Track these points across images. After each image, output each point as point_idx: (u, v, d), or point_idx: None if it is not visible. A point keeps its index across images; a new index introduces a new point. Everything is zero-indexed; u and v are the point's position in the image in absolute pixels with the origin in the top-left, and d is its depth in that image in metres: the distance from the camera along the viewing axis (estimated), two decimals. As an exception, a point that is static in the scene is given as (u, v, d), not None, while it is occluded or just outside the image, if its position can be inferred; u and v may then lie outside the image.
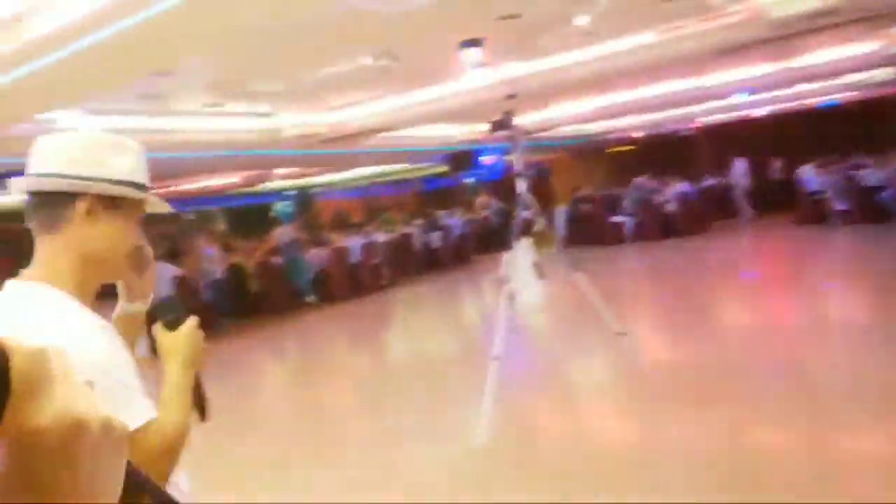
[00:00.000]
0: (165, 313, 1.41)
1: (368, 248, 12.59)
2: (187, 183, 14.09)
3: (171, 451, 1.24)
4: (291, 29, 4.70)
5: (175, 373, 1.35)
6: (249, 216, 16.62)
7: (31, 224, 1.32)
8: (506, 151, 10.78)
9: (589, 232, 14.53)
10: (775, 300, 8.07)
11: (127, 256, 1.38)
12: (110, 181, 1.32)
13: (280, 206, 17.89)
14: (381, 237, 13.22)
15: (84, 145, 1.35)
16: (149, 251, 1.45)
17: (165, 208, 1.43)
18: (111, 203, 1.32)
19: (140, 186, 1.37)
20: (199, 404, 1.42)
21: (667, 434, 4.20)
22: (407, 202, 21.44)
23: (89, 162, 1.32)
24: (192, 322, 1.40)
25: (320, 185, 18.34)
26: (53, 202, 1.30)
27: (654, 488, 3.47)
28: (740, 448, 3.89)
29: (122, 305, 1.49)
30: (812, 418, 4.19)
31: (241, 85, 6.94)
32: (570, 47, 7.20)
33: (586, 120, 13.36)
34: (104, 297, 1.42)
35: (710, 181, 16.17)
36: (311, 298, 11.63)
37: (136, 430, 1.16)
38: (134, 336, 1.45)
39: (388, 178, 19.97)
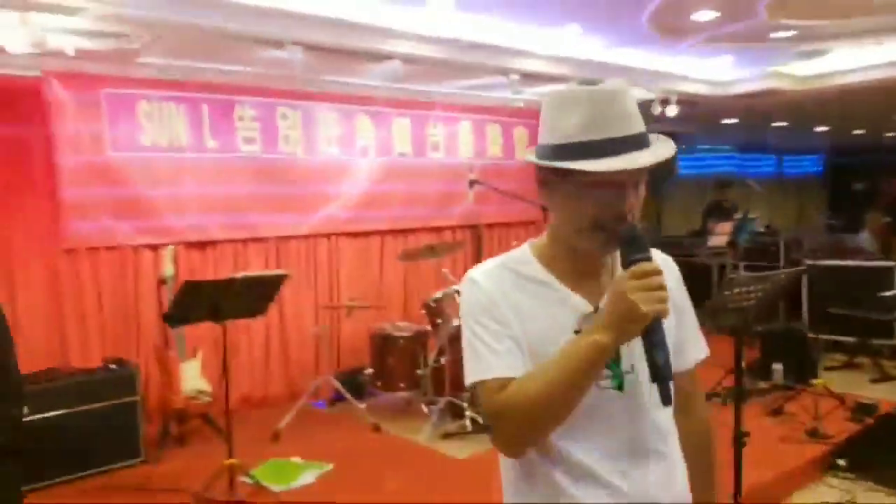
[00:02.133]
0: (623, 247, 1.15)
1: None
2: None
3: (501, 416, 1.14)
4: None
5: (585, 329, 1.15)
6: None
7: None
8: None
9: None
10: None
11: (585, 231, 1.18)
12: (544, 149, 1.19)
13: None
14: None
15: (546, 109, 1.23)
16: (625, 220, 1.16)
17: (622, 165, 1.11)
18: (558, 172, 1.17)
19: (585, 146, 1.13)
20: (655, 378, 1.09)
21: None
22: None
23: (543, 128, 1.23)
24: (633, 270, 1.08)
25: None
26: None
27: None
28: None
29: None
30: None
31: None
32: None
33: None
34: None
35: None
36: None
37: (471, 386, 1.19)
38: None
39: None
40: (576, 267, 1.24)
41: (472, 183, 5.41)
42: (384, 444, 4.53)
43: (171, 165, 4.88)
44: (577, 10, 4.47)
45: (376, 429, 4.70)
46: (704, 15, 4.73)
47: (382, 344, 5.16)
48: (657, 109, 6.61)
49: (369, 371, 5.22)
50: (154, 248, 4.80)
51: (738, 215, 6.94)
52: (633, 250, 1.12)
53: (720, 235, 6.67)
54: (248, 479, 3.61)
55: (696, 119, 8.16)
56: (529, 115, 7.05)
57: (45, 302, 4.51)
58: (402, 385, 5.10)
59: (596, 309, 1.22)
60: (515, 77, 5.15)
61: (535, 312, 1.21)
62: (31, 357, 4.39)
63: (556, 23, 4.70)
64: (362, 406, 4.93)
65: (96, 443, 4.01)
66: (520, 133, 7.13)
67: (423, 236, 6.31)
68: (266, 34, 3.83)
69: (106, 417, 4.08)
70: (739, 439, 2.95)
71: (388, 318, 5.75)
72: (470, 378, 1.21)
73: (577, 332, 1.20)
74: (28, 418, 3.85)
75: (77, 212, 4.52)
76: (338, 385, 5.03)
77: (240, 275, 3.51)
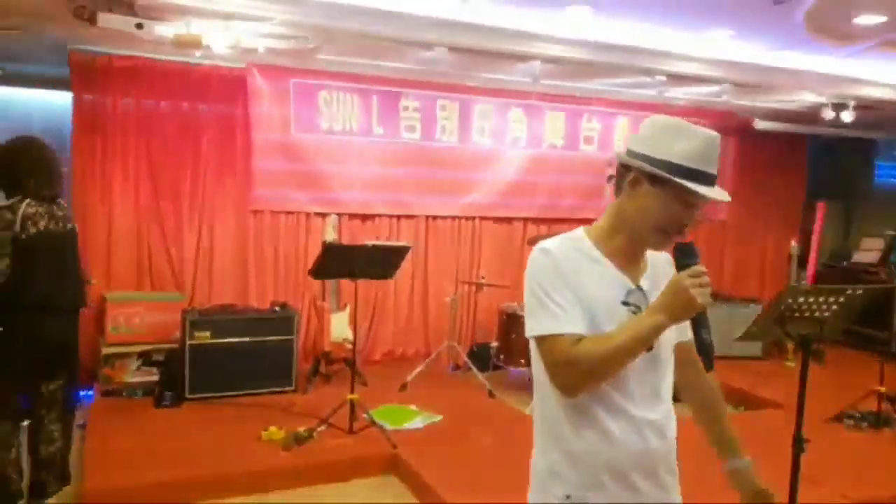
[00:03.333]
0: (679, 255, 1.52)
1: None
2: None
3: (574, 365, 1.44)
4: None
5: (646, 310, 1.49)
6: None
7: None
8: None
9: None
10: None
11: (653, 230, 1.52)
12: (654, 160, 1.49)
13: None
14: None
15: (654, 127, 1.55)
16: (683, 234, 1.54)
17: (717, 196, 1.48)
18: (656, 180, 1.49)
19: (692, 172, 1.47)
20: (702, 352, 1.54)
21: None
22: None
23: (648, 142, 1.53)
24: (690, 271, 1.44)
25: None
26: (620, 172, 1.57)
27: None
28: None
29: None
30: None
31: None
32: None
33: None
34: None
35: None
36: None
37: (541, 337, 1.48)
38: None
39: None
40: (625, 252, 1.58)
41: (610, 178, 5.64)
42: (493, 408, 5.01)
43: (342, 147, 5.70)
44: (722, 13, 4.50)
45: (491, 395, 5.20)
46: (869, 19, 4.52)
47: (508, 321, 5.62)
48: (829, 115, 6.27)
49: (495, 345, 5.71)
50: (323, 216, 5.65)
51: (891, 232, 6.39)
52: (688, 256, 1.50)
53: (866, 252, 6.22)
54: (365, 416, 4.28)
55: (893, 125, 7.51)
56: (691, 113, 7.02)
57: (234, 250, 5.55)
58: (522, 361, 5.52)
59: (637, 286, 1.58)
60: (661, 78, 5.26)
61: (591, 283, 1.52)
62: (219, 292, 5.46)
63: (702, 27, 4.76)
64: (483, 374, 5.43)
65: (258, 369, 4.95)
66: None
67: (567, 226, 6.60)
68: (416, 38, 4.41)
69: (269, 350, 5.01)
70: (798, 444, 3.01)
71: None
72: (542, 330, 1.48)
73: (624, 302, 1.55)
74: (208, 341, 4.86)
75: (264, 180, 5.49)
76: (460, 351, 5.61)
77: (370, 243, 4.17)
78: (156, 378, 4.93)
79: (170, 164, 5.31)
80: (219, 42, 3.96)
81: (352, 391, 4.23)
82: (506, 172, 6.34)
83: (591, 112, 6.63)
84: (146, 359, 5.05)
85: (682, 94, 6.06)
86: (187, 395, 4.81)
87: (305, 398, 4.92)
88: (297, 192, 5.62)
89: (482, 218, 6.36)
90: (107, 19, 3.52)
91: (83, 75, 4.96)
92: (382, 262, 4.22)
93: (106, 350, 4.95)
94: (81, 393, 4.91)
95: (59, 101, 5.42)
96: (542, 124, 6.44)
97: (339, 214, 5.65)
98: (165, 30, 3.79)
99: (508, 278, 6.17)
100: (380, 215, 5.97)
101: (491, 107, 6.22)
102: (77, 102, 5.00)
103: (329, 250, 4.09)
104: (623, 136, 6.79)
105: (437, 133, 6.03)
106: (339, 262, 4.08)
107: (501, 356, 5.64)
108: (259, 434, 4.16)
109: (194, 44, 3.84)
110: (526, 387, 5.58)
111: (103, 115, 5.07)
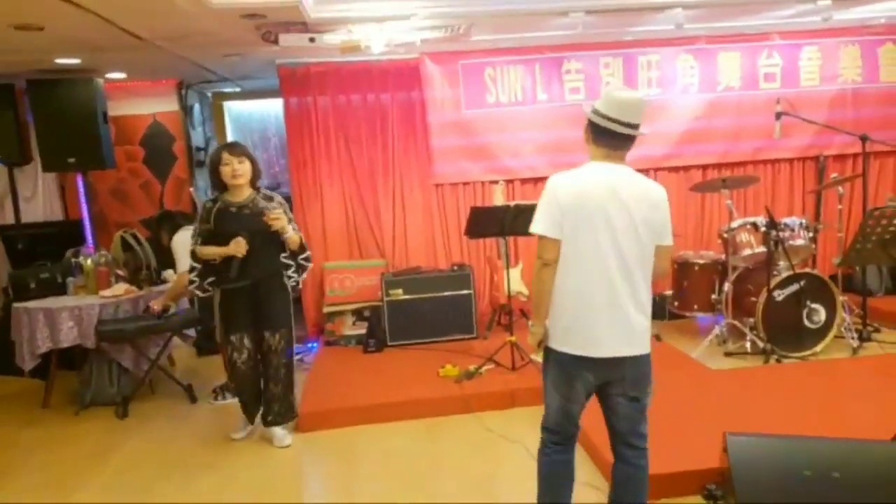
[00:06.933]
0: None
1: None
2: None
3: None
4: None
5: None
6: None
7: None
8: None
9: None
10: None
11: None
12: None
13: None
14: None
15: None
16: None
17: None
18: None
19: None
20: None
21: None
22: None
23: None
24: None
25: None
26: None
27: None
28: None
29: None
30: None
31: None
32: None
33: None
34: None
35: None
36: None
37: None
38: None
39: None
40: None
41: (779, 115, 5.41)
42: (657, 350, 5.15)
43: (509, 117, 6.17)
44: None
45: (657, 339, 5.36)
46: None
47: (681, 270, 5.68)
48: None
49: (669, 293, 5.81)
50: (496, 182, 6.20)
51: None
52: None
53: None
54: (525, 356, 4.78)
55: None
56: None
57: (423, 220, 6.35)
58: (695, 307, 5.58)
59: None
60: (826, 2, 4.92)
61: None
62: (414, 256, 6.30)
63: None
64: (659, 322, 5.54)
65: (444, 319, 5.71)
66: (888, 51, 6.43)
67: (751, 169, 6.41)
68: (552, 8, 4.73)
69: (451, 303, 5.74)
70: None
71: (713, 247, 6.16)
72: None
73: None
74: (401, 297, 5.70)
75: (442, 157, 6.19)
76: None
77: (512, 203, 4.62)
78: (365, 330, 5.92)
79: (364, 150, 6.24)
80: (376, 42, 4.69)
81: (511, 335, 4.76)
82: (679, 121, 6.32)
83: (770, 47, 6.29)
84: (359, 315, 6.07)
85: (858, 15, 5.51)
86: (388, 343, 5.72)
87: (484, 343, 5.55)
88: (471, 164, 6.24)
89: (656, 169, 6.42)
90: (286, 38, 4.42)
91: (289, 83, 6.07)
92: (526, 219, 4.62)
93: (327, 309, 6.06)
94: (310, 344, 6.09)
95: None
96: (714, 67, 6.28)
97: (511, 180, 6.16)
98: (332, 39, 4.61)
99: (681, 226, 6.18)
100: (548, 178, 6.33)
101: (657, 57, 6.24)
102: (287, 106, 6.13)
103: (475, 212, 4.63)
104: (815, 67, 6.34)
105: (601, 91, 6.21)
106: (486, 221, 4.60)
107: (675, 303, 5.73)
108: (437, 371, 4.89)
109: (356, 48, 4.61)
110: (697, 332, 5.63)
111: (307, 114, 6.14)
